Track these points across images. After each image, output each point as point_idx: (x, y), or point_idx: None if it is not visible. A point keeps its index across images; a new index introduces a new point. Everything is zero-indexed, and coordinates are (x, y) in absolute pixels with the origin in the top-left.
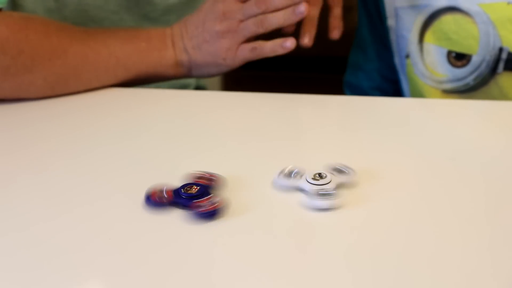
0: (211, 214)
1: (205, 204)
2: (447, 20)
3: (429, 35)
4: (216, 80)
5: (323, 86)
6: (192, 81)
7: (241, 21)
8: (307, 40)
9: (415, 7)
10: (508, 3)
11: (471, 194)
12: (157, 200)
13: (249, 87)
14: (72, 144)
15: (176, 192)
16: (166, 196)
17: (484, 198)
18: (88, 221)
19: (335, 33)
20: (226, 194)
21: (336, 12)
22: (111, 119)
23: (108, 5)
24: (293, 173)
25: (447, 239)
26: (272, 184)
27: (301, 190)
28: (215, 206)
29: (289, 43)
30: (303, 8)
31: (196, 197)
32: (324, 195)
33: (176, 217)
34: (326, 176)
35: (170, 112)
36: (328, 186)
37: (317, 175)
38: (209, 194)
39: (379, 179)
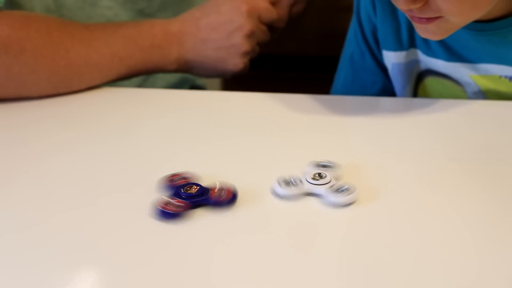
0: (230, 201)
1: (220, 194)
2: (438, 81)
3: (422, 89)
4: (216, 80)
5: (323, 86)
6: (189, 77)
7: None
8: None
9: (409, 62)
10: (500, 77)
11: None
12: (171, 209)
13: (249, 87)
14: (68, 144)
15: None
16: (180, 204)
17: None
18: (88, 220)
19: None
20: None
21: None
22: (110, 119)
23: (103, 1)
24: (292, 180)
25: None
26: (271, 185)
27: (310, 194)
28: (229, 195)
29: None
30: None
31: (196, 197)
32: (342, 191)
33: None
34: (326, 176)
35: (169, 112)
36: (334, 182)
37: (317, 175)
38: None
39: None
